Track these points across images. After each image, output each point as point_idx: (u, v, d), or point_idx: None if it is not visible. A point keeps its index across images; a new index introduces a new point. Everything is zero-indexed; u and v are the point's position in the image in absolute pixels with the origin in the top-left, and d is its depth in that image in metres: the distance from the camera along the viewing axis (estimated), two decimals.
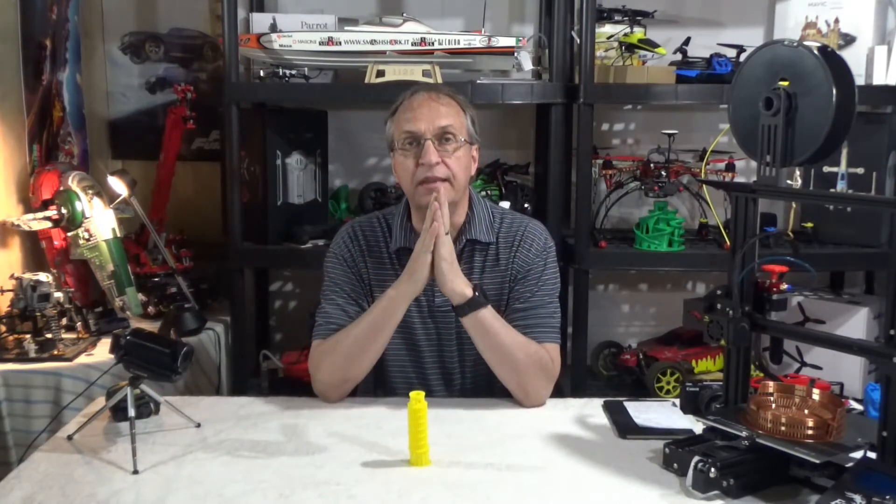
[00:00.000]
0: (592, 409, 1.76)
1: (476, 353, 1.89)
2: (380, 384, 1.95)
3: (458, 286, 1.75)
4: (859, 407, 1.84)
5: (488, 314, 1.76)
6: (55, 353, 2.24)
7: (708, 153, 2.46)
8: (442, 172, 1.79)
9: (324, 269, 1.93)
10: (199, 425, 1.62)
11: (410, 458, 1.46)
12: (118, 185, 2.52)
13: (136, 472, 1.41)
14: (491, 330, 1.76)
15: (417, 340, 1.91)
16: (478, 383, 1.91)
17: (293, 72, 2.61)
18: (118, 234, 2.52)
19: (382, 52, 2.55)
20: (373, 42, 2.55)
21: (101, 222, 2.48)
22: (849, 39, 2.60)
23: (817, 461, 1.29)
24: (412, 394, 1.44)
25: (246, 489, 1.36)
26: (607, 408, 1.75)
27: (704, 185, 2.65)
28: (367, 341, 1.78)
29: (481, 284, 1.81)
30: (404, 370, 1.93)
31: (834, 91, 1.32)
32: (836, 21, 2.62)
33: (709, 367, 2.67)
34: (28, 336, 2.27)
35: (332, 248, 1.94)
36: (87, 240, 2.46)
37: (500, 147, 3.00)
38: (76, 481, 1.39)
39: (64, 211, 2.42)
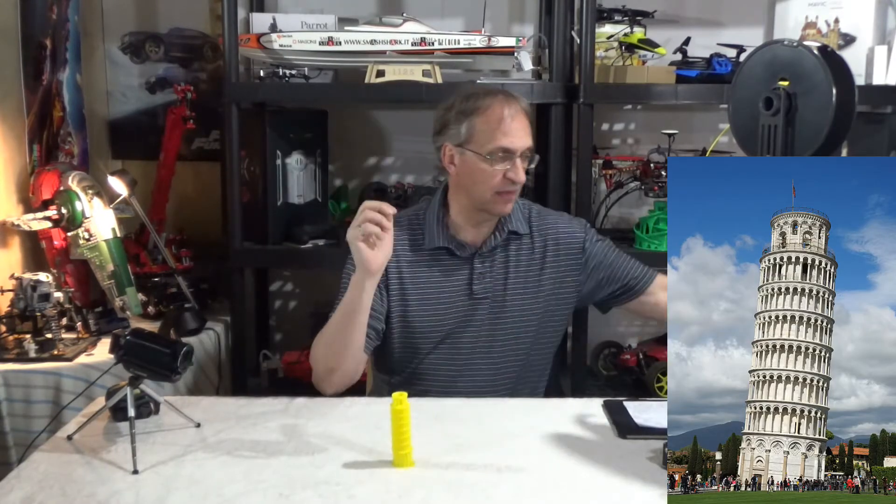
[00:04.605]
0: (592, 409, 1.75)
1: (507, 350, 1.95)
2: (415, 376, 1.97)
3: None
4: None
5: None
6: (55, 353, 2.24)
7: (708, 153, 2.46)
8: (520, 186, 1.88)
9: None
10: (199, 425, 1.62)
11: (394, 459, 1.45)
12: (118, 185, 2.52)
13: (136, 472, 1.41)
14: None
15: (454, 330, 1.93)
16: (504, 380, 1.95)
17: (293, 72, 2.61)
18: (118, 234, 2.51)
19: (382, 52, 2.55)
20: (373, 42, 2.55)
21: (101, 222, 2.48)
22: (849, 39, 2.60)
23: None
24: (395, 395, 1.44)
25: (246, 489, 1.36)
26: (607, 408, 1.75)
27: None
28: (342, 327, 1.79)
29: None
30: (442, 360, 1.95)
31: (834, 91, 1.32)
32: (836, 21, 2.62)
33: None
34: (28, 336, 2.27)
35: None
36: (87, 240, 2.46)
37: None
38: (76, 481, 1.39)
39: (64, 211, 2.42)
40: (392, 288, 1.92)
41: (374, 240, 1.71)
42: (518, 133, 1.85)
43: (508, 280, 1.94)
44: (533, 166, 1.92)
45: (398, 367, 1.98)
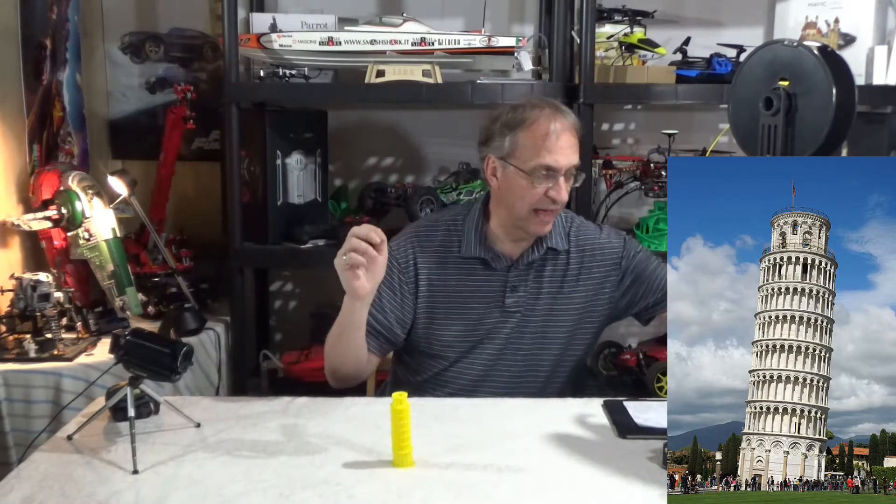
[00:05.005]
0: (592, 408, 1.75)
1: (533, 360, 1.93)
2: (438, 379, 1.96)
3: None
4: None
5: None
6: (55, 353, 2.24)
7: (708, 153, 2.46)
8: (561, 206, 1.84)
9: None
10: (198, 425, 1.62)
11: (394, 459, 1.45)
12: (118, 185, 2.52)
13: (135, 472, 1.41)
14: None
15: (481, 341, 1.92)
16: (528, 386, 1.93)
17: (293, 72, 2.61)
18: (118, 234, 2.51)
19: (382, 52, 2.55)
20: (373, 42, 2.55)
21: (101, 222, 2.48)
22: (849, 39, 2.60)
23: None
24: (395, 395, 1.44)
25: (246, 489, 1.36)
26: (607, 408, 1.74)
27: None
28: (339, 338, 1.80)
29: None
30: (466, 368, 1.94)
31: (834, 91, 1.32)
32: (836, 21, 2.62)
33: None
34: (28, 336, 2.27)
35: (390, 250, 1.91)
36: (87, 240, 2.46)
37: None
38: (76, 481, 1.38)
39: (64, 211, 2.42)
40: (421, 294, 1.90)
41: (361, 269, 1.66)
42: (563, 151, 1.79)
43: (541, 295, 1.91)
44: (578, 184, 1.86)
45: (421, 369, 1.97)
